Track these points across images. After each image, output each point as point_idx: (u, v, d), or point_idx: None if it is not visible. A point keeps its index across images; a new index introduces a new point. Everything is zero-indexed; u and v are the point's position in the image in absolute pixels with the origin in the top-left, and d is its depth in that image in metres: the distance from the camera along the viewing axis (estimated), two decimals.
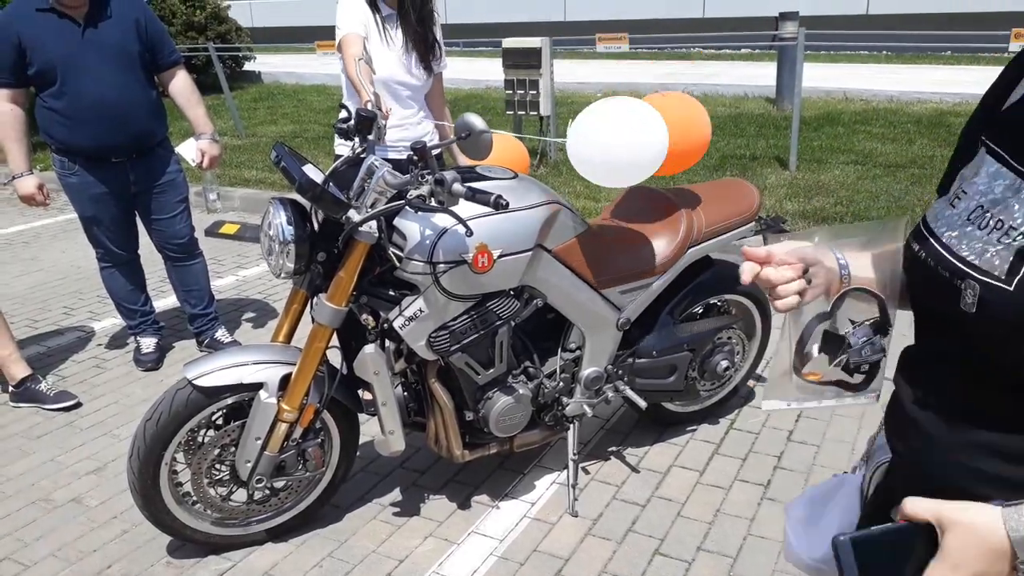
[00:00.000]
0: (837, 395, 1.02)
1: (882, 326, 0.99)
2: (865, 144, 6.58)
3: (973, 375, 0.88)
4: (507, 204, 1.86)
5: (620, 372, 2.62)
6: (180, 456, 2.22)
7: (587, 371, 2.55)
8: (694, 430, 2.99)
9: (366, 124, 2.14)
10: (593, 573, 2.26)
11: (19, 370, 3.31)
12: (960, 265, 0.86)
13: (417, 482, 2.72)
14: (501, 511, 2.55)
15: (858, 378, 1.02)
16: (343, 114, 2.23)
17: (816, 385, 1.02)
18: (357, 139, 2.16)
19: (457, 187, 1.90)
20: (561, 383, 2.53)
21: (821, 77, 9.01)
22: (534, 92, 6.49)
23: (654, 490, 2.63)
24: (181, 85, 3.42)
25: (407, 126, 2.93)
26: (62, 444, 3.03)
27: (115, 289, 3.61)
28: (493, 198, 1.87)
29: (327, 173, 2.15)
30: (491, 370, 2.32)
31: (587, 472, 2.74)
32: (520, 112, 6.63)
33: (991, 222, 0.85)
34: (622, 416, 3.09)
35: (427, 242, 2.08)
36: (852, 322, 0.99)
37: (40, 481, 2.79)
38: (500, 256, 2.16)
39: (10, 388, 3.32)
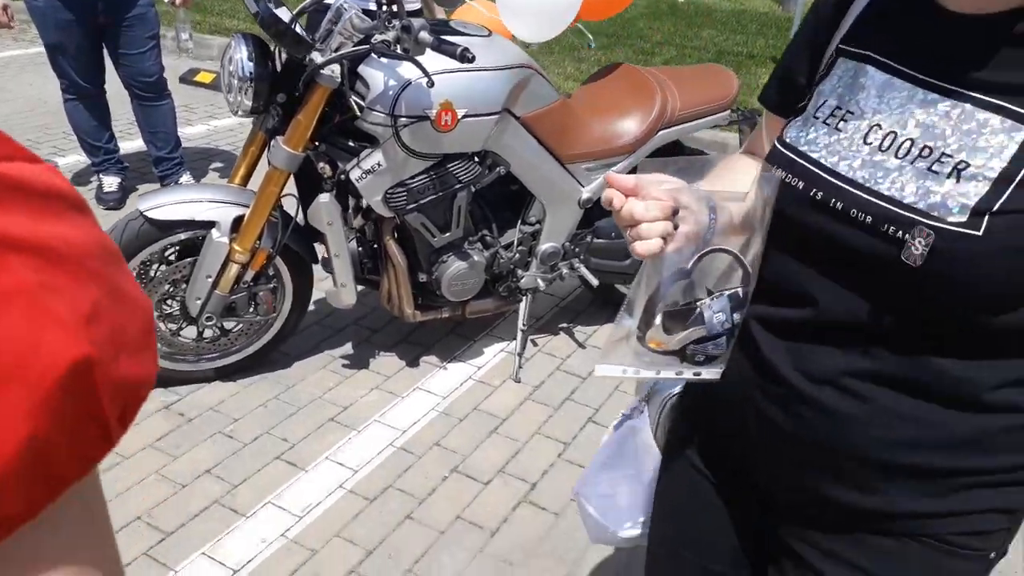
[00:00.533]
0: (676, 368, 0.86)
1: (741, 302, 0.84)
2: None
3: (894, 335, 0.77)
4: (473, 58, 1.82)
5: (577, 250, 2.63)
6: None
7: (544, 246, 2.56)
8: None
9: None
10: (527, 433, 2.35)
11: None
12: (897, 210, 0.72)
13: (370, 339, 2.77)
14: (448, 372, 2.62)
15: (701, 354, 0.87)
16: None
17: (656, 354, 0.86)
18: None
19: (424, 35, 1.84)
20: (517, 255, 2.55)
21: None
22: None
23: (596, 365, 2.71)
24: None
25: None
26: None
27: (79, 123, 3.52)
28: (459, 50, 1.82)
29: (295, 12, 2.07)
30: (447, 234, 2.33)
31: (536, 344, 2.81)
32: None
33: (912, 149, 0.73)
34: (578, 296, 3.14)
35: (390, 93, 2.03)
36: (709, 291, 0.84)
37: None
38: (465, 116, 2.12)
39: None
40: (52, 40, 3.22)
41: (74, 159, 4.06)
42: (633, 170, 2.68)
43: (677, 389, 1.11)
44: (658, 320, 0.83)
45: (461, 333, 2.83)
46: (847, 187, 0.76)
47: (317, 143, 2.14)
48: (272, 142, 2.12)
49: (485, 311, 2.63)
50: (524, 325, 2.66)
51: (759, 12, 7.59)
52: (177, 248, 2.26)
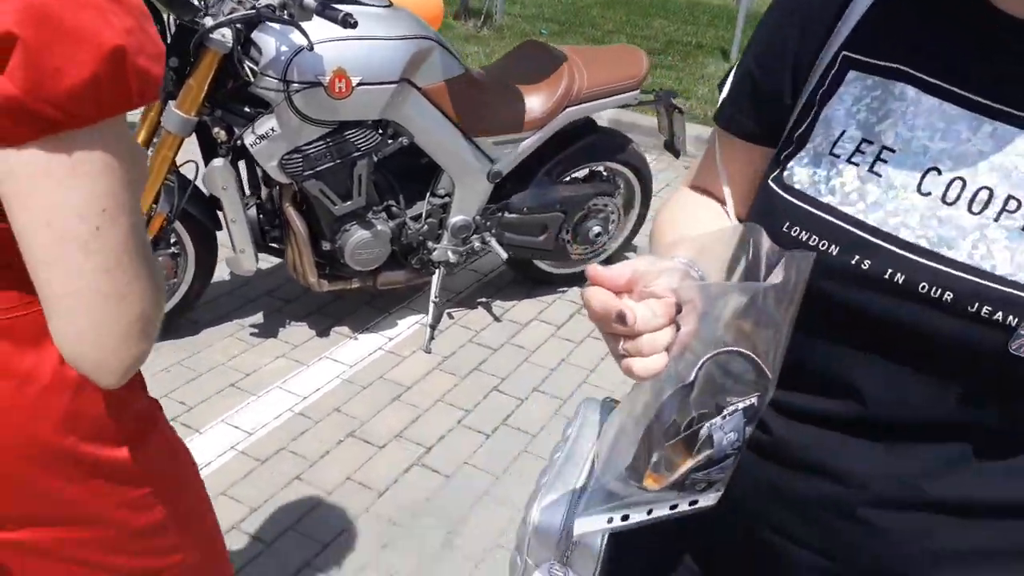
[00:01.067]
0: (671, 501, 0.66)
1: (756, 413, 0.63)
2: None
3: (980, 438, 0.64)
4: (355, 23, 1.84)
5: (489, 224, 2.67)
6: None
7: (455, 219, 2.59)
8: (564, 291, 3.09)
9: None
10: (430, 401, 2.39)
11: None
12: (992, 284, 0.57)
13: (281, 310, 2.79)
14: (358, 342, 2.65)
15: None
16: None
17: (651, 492, 0.65)
18: None
19: (308, 1, 1.86)
20: (427, 227, 2.57)
21: None
22: None
23: (509, 338, 2.75)
24: None
25: None
26: None
27: None
28: (341, 15, 1.84)
29: None
30: (348, 203, 2.35)
31: (451, 317, 2.84)
32: None
33: (992, 202, 0.57)
34: (501, 273, 3.17)
35: (282, 59, 2.05)
36: (719, 406, 0.61)
37: None
38: (360, 84, 2.14)
39: None
40: None
41: None
42: (547, 146, 2.72)
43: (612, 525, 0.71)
44: (656, 456, 0.62)
45: (376, 306, 2.85)
46: (908, 254, 0.59)
47: (213, 108, 2.15)
48: (166, 107, 2.12)
49: (397, 283, 2.65)
50: (436, 297, 2.68)
51: (712, 4, 7.66)
52: None
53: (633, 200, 3.06)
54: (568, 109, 2.56)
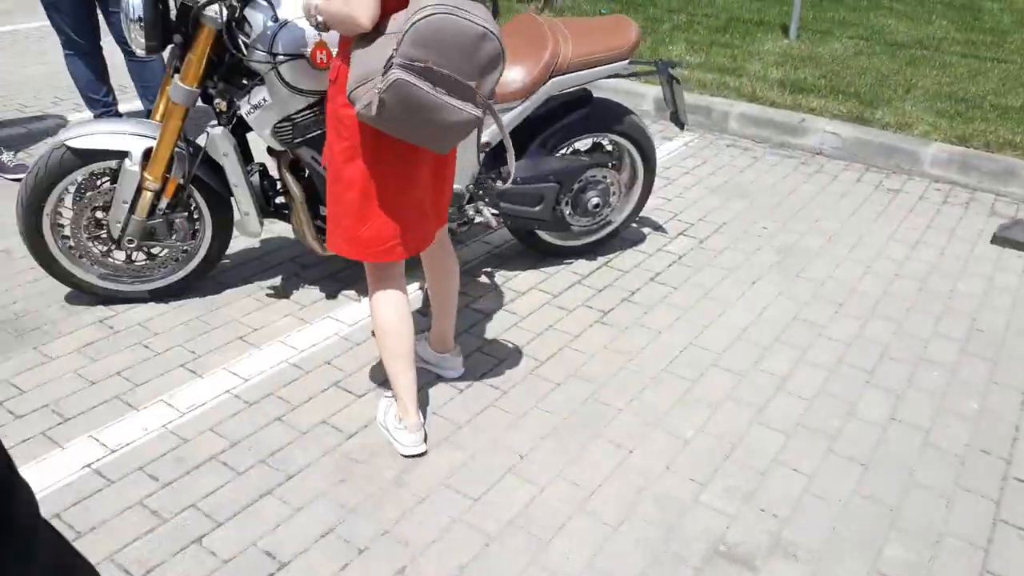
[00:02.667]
0: None
1: None
2: (880, 20, 6.27)
3: None
4: None
5: (482, 193, 2.79)
6: (64, 212, 2.52)
7: None
8: (570, 263, 3.18)
9: None
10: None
11: None
12: None
13: (299, 274, 3.01)
14: (361, 304, 2.83)
15: None
16: None
17: None
18: None
19: None
20: None
21: None
22: None
23: (503, 304, 2.87)
24: None
25: None
26: (10, 208, 3.40)
27: (77, 76, 3.86)
28: None
29: None
30: None
31: None
32: None
33: None
34: (512, 246, 3.29)
35: (268, 32, 2.24)
36: None
37: None
38: None
39: None
40: None
41: (88, 115, 4.43)
42: (543, 118, 2.82)
43: None
44: None
45: None
46: None
47: (216, 81, 2.36)
48: (173, 79, 2.35)
49: None
50: None
51: None
52: (108, 177, 2.54)
53: (635, 172, 3.11)
54: (553, 79, 2.64)
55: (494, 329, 2.71)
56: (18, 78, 5.12)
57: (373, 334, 2.57)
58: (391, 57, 1.58)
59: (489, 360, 2.55)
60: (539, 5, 6.50)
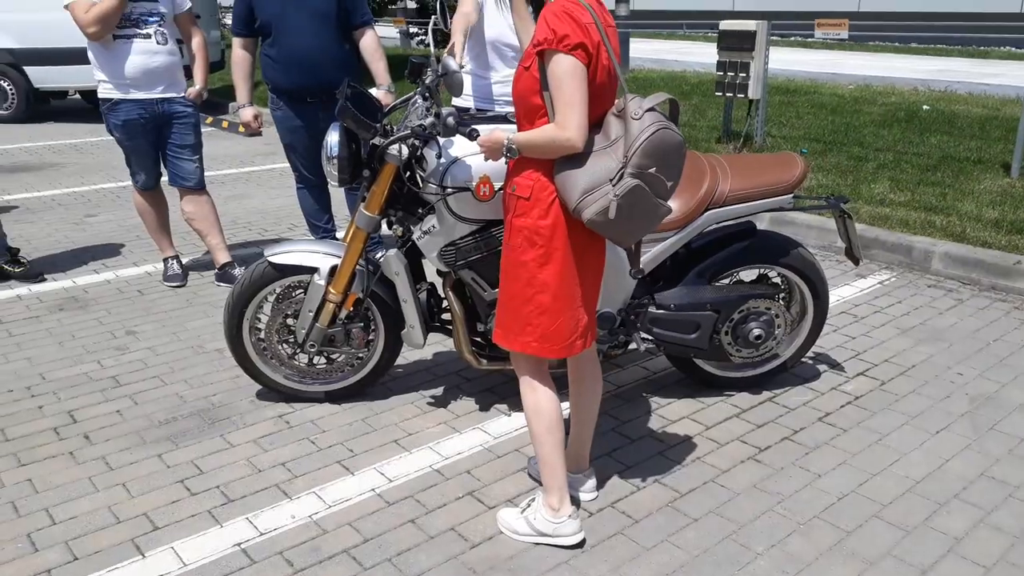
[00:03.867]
0: None
1: None
2: None
3: None
4: (477, 135, 2.23)
5: (634, 318, 2.82)
6: (261, 318, 2.91)
7: (600, 311, 2.79)
8: (731, 395, 3.07)
9: (417, 69, 2.61)
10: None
11: (222, 257, 4.32)
12: None
13: (460, 386, 3.17)
14: (510, 418, 2.92)
15: None
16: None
17: None
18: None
19: (450, 120, 2.31)
20: None
21: None
22: (744, 75, 6.45)
23: (651, 431, 2.81)
24: (368, 42, 4.15)
25: (509, 83, 3.34)
26: None
27: (305, 206, 4.48)
28: (468, 130, 2.25)
29: (388, 108, 2.67)
30: (496, 289, 2.69)
31: (602, 408, 2.99)
32: (729, 94, 6.63)
33: None
34: (670, 373, 3.25)
35: (440, 169, 2.51)
36: None
37: (202, 334, 3.71)
38: (501, 188, 2.51)
39: (215, 270, 4.35)
40: (285, 140, 4.23)
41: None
42: (699, 248, 2.84)
43: None
44: None
45: None
46: None
47: (396, 210, 2.67)
48: (359, 207, 2.69)
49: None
50: None
51: (1012, 117, 6.94)
52: (302, 289, 2.90)
53: (804, 306, 2.98)
54: (709, 212, 2.67)
55: (636, 456, 2.66)
56: (268, 207, 6.02)
57: (528, 431, 2.63)
58: (623, 167, 1.88)
59: (626, 486, 2.50)
60: (738, 145, 6.58)
